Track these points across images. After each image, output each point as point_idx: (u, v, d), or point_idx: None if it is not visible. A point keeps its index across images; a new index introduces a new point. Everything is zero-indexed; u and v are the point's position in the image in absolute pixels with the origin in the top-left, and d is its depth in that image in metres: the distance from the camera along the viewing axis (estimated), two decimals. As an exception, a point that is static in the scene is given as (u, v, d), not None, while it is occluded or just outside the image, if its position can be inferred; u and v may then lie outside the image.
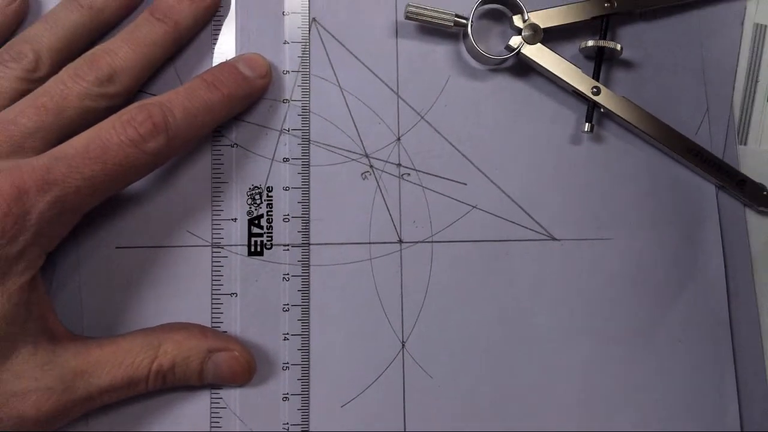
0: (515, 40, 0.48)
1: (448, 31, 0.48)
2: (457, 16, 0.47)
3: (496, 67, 0.49)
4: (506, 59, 0.48)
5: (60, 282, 0.46)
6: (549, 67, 0.48)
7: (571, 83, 0.48)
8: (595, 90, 0.48)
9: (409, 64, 0.49)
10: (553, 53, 0.48)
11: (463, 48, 0.49)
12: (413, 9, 0.47)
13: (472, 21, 0.47)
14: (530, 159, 0.49)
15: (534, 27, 0.47)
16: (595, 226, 0.49)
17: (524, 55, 0.47)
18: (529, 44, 0.47)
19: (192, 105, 0.43)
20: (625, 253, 0.49)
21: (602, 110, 0.48)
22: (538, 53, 0.48)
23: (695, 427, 0.48)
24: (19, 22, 0.46)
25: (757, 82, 0.50)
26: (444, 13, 0.47)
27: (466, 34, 0.48)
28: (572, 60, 0.48)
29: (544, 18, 0.48)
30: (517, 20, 0.48)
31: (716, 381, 0.48)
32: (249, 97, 0.47)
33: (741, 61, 0.50)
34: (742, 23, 0.51)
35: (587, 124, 0.48)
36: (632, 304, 0.49)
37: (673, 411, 0.48)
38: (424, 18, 0.47)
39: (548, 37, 0.48)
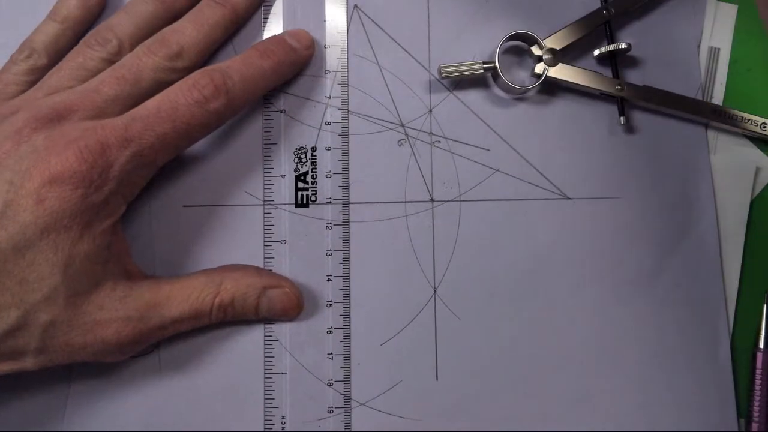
0: (539, 67, 0.50)
1: (477, 75, 0.51)
2: (484, 62, 0.49)
3: (523, 96, 0.51)
4: (535, 86, 0.50)
5: (136, 236, 0.49)
6: (575, 80, 0.50)
7: (598, 88, 0.50)
8: (619, 87, 0.50)
9: (440, 45, 0.51)
10: (574, 68, 0.50)
11: (485, 29, 0.52)
12: (446, 69, 0.49)
13: (498, 63, 0.49)
14: (545, 128, 0.51)
15: (552, 51, 0.50)
16: (604, 187, 0.51)
17: (550, 77, 0.50)
18: (552, 67, 0.50)
19: (247, 70, 0.45)
20: (631, 210, 0.51)
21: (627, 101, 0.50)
22: (562, 72, 0.50)
23: (693, 359, 0.50)
24: (99, 12, 0.50)
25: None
26: (473, 64, 0.49)
27: (496, 75, 0.50)
28: (587, 67, 0.51)
29: (557, 40, 0.50)
30: (535, 49, 0.50)
31: (710, 318, 0.50)
32: (295, 64, 0.49)
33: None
34: (698, 46, 0.53)
35: (621, 117, 0.50)
36: (636, 254, 0.50)
37: (672, 346, 0.50)
38: (458, 74, 0.49)
39: (562, 55, 0.50)
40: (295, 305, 0.49)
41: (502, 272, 0.51)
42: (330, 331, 0.50)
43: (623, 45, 0.50)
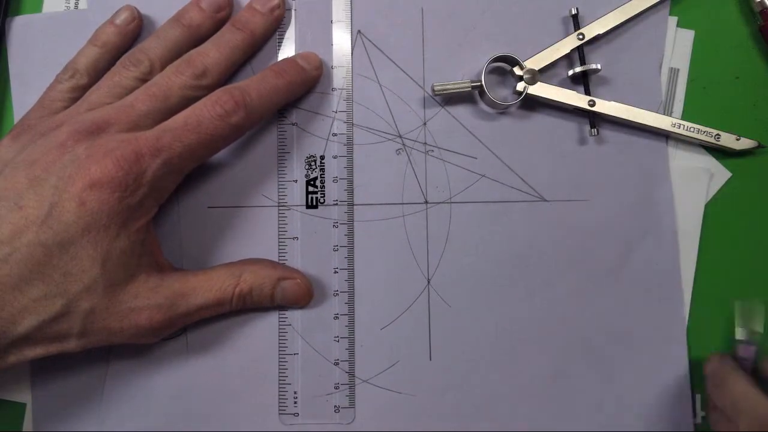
0: (520, 85, 0.49)
1: (465, 92, 0.51)
2: (471, 81, 0.49)
3: (505, 110, 0.51)
4: (517, 102, 0.50)
5: (166, 233, 0.50)
6: (551, 97, 0.50)
7: (572, 104, 0.50)
8: (591, 102, 0.49)
9: (433, 66, 0.51)
10: (551, 86, 0.50)
11: (473, 52, 0.51)
12: (438, 87, 0.49)
13: (484, 82, 0.49)
14: (525, 138, 0.51)
15: (531, 71, 0.49)
16: (577, 191, 0.51)
17: (530, 94, 0.49)
18: (531, 85, 0.50)
19: (263, 88, 0.45)
20: (600, 211, 0.50)
21: (600, 115, 0.50)
22: (540, 89, 0.50)
23: (653, 341, 0.50)
24: (134, 38, 0.50)
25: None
26: (462, 83, 0.49)
27: (482, 92, 0.50)
28: (562, 85, 0.50)
29: (536, 62, 0.50)
30: (516, 70, 0.50)
31: (669, 305, 0.50)
32: (306, 83, 0.49)
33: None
34: (660, 66, 0.52)
35: (592, 129, 0.50)
36: (604, 250, 0.50)
37: (634, 329, 0.50)
38: (449, 91, 0.49)
39: (540, 74, 0.50)
40: (305, 294, 0.49)
41: (487, 265, 0.51)
42: (336, 317, 0.50)
43: (594, 66, 0.50)
